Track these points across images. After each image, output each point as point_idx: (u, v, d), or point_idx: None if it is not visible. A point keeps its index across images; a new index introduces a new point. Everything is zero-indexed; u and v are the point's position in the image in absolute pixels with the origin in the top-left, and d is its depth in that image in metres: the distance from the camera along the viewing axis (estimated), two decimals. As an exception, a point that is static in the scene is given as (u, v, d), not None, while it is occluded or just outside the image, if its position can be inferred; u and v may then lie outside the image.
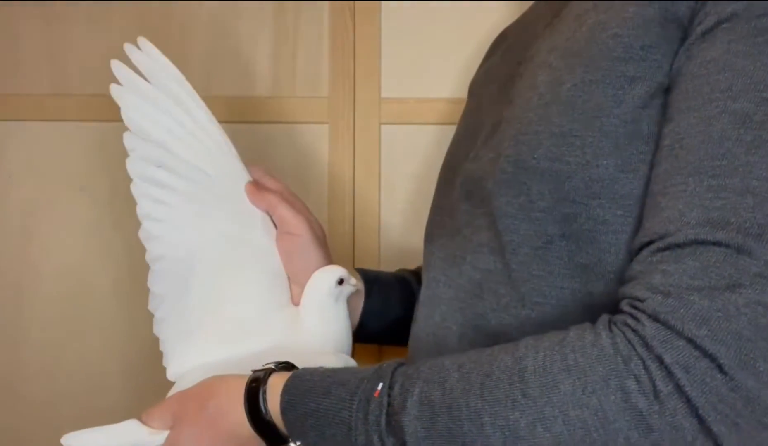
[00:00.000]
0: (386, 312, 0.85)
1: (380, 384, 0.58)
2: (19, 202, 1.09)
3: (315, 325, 0.75)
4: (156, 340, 1.10)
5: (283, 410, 0.61)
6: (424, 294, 0.73)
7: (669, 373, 0.48)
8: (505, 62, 0.76)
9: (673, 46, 0.57)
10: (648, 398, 0.49)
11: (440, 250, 0.71)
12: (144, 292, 1.10)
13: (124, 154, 1.08)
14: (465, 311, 0.66)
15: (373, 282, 0.85)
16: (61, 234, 1.09)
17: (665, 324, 0.50)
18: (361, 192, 1.07)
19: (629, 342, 0.51)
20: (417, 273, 0.90)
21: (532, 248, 0.61)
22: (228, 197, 0.78)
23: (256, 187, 0.78)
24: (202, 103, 0.79)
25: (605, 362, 0.50)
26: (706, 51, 0.54)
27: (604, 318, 0.54)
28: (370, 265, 1.06)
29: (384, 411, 0.56)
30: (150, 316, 1.10)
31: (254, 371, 0.66)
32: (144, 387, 1.10)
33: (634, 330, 0.51)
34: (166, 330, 0.80)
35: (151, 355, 1.10)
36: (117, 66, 0.77)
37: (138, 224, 1.08)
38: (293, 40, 1.07)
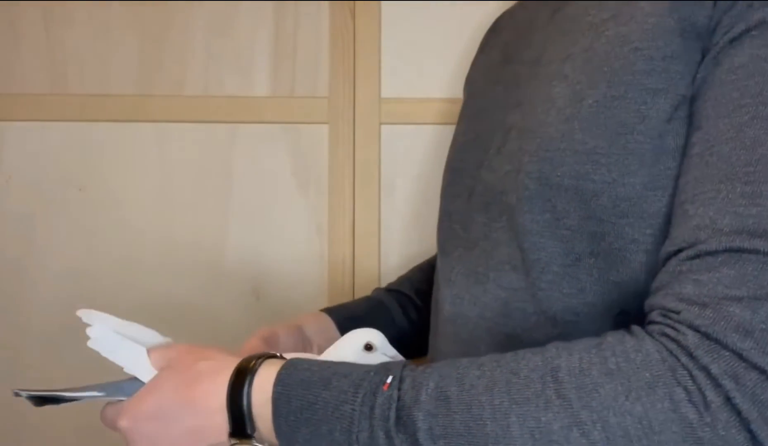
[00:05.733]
0: None
1: (390, 377, 0.53)
2: (19, 202, 1.09)
3: None
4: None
5: (275, 401, 0.55)
6: (448, 310, 0.69)
7: (717, 384, 0.46)
8: (505, 61, 0.74)
9: (693, 57, 0.55)
10: (698, 409, 0.46)
11: (460, 265, 0.68)
12: (143, 292, 1.10)
13: (124, 154, 1.09)
14: (493, 331, 0.63)
15: (347, 320, 0.81)
16: (61, 235, 1.09)
17: (706, 335, 0.47)
18: (361, 192, 1.07)
19: (671, 351, 0.48)
20: (394, 290, 0.88)
21: (562, 266, 0.58)
22: None
23: None
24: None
25: (651, 368, 0.48)
26: (733, 57, 0.53)
27: (637, 327, 0.51)
28: (371, 266, 1.06)
29: (394, 405, 0.52)
30: (149, 316, 1.10)
31: (248, 356, 0.60)
32: (144, 387, 1.11)
33: (674, 340, 0.48)
34: None
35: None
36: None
37: (137, 225, 1.09)
38: (293, 40, 1.07)
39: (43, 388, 0.67)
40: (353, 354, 0.66)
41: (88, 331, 0.65)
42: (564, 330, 0.58)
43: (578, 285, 0.58)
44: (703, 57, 0.55)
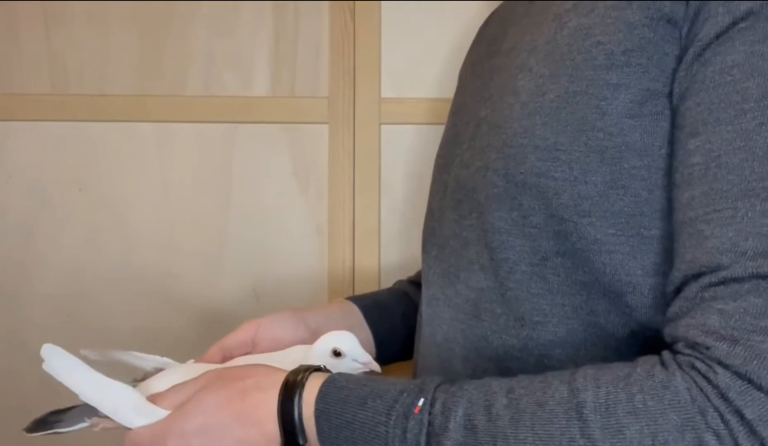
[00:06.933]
0: (395, 336, 0.82)
1: (421, 400, 0.53)
2: (19, 202, 1.09)
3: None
4: (156, 341, 1.10)
5: (317, 418, 0.56)
6: (425, 312, 0.69)
7: (752, 430, 0.43)
8: (488, 55, 0.72)
9: (665, 47, 0.52)
10: None
11: (435, 264, 0.68)
12: (143, 292, 1.10)
13: (124, 154, 1.09)
14: (466, 332, 0.63)
15: (373, 308, 0.82)
16: (61, 235, 1.09)
17: (738, 375, 0.44)
18: (361, 192, 1.07)
19: (701, 389, 0.45)
20: (416, 282, 0.88)
21: (529, 265, 0.57)
22: None
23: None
24: None
25: (679, 409, 0.45)
26: (725, 55, 0.49)
27: (668, 354, 0.49)
28: (370, 266, 1.06)
29: (424, 430, 0.52)
30: (148, 316, 1.10)
31: (294, 369, 0.61)
32: (144, 387, 1.11)
33: (705, 377, 0.45)
34: None
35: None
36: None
37: (137, 225, 1.09)
38: (293, 40, 1.07)
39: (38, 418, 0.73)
40: (322, 360, 0.65)
41: (43, 353, 0.68)
42: (534, 330, 0.58)
43: (546, 285, 0.57)
44: (681, 46, 0.52)
